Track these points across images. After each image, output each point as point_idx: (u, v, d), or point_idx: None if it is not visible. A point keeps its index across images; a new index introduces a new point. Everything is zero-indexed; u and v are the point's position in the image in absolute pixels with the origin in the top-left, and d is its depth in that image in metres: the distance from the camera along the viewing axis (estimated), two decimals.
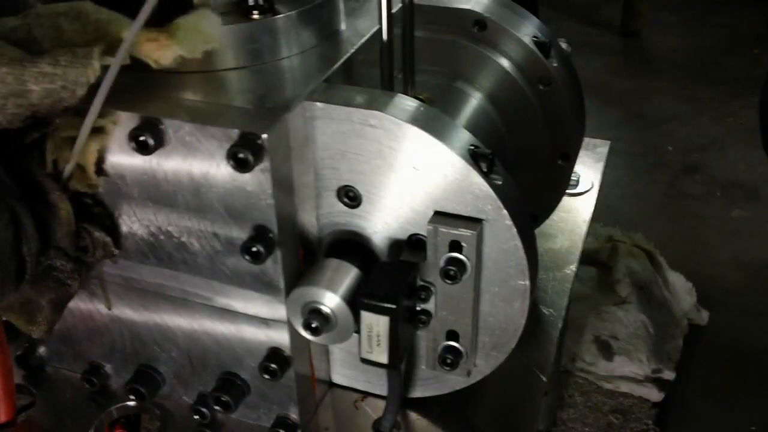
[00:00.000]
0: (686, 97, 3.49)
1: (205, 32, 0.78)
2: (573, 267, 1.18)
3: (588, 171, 1.39)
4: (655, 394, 1.99)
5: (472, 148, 0.76)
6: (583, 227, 1.26)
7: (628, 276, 2.15)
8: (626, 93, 3.53)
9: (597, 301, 2.14)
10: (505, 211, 0.75)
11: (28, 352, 1.02)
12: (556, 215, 1.22)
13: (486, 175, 0.75)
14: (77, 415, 0.97)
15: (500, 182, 0.76)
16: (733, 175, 2.94)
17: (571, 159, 1.07)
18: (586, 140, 1.45)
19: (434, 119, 0.76)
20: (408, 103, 0.77)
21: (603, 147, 1.46)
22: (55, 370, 1.03)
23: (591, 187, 1.35)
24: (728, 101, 3.42)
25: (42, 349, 1.02)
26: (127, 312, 0.92)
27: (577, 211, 1.30)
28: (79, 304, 0.94)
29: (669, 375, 2.02)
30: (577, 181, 1.34)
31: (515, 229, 0.76)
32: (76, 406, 0.98)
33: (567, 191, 1.28)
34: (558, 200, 1.15)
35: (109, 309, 0.93)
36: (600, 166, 1.41)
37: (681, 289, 2.23)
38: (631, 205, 2.75)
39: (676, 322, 2.15)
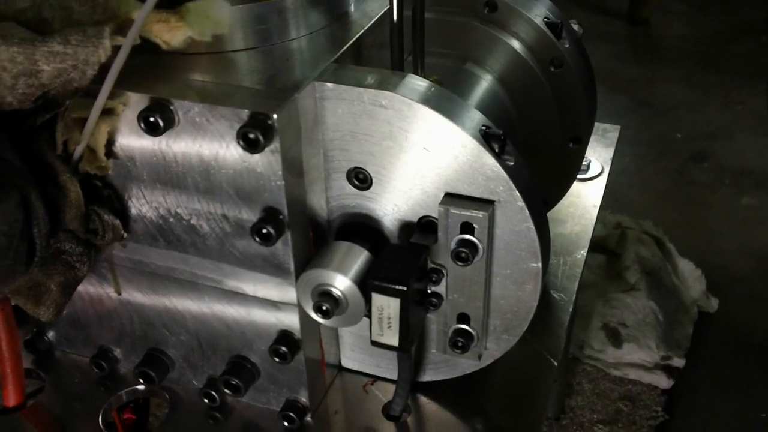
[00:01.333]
0: (694, 84, 3.47)
1: (215, 17, 0.78)
2: (583, 252, 1.17)
3: (598, 156, 1.38)
4: (664, 381, 1.98)
5: (484, 128, 0.75)
6: (593, 212, 1.25)
7: (636, 263, 2.14)
8: (634, 81, 3.52)
9: (605, 288, 2.13)
10: (517, 193, 0.75)
11: (37, 337, 1.02)
12: (566, 200, 1.22)
13: (498, 156, 0.74)
14: (86, 400, 0.97)
15: (512, 163, 0.75)
16: (741, 162, 2.92)
17: (582, 142, 1.07)
18: (596, 125, 1.44)
19: (445, 99, 0.76)
20: (419, 84, 0.76)
21: (613, 132, 1.45)
22: (64, 354, 1.03)
23: (601, 172, 1.34)
24: (737, 89, 3.40)
25: (51, 334, 1.02)
26: (137, 296, 0.92)
27: (587, 196, 1.29)
28: (89, 288, 0.94)
29: (678, 362, 2.01)
30: (588, 166, 1.33)
31: (527, 211, 0.76)
32: (85, 390, 0.98)
33: (577, 176, 1.27)
34: (569, 185, 1.15)
35: (119, 294, 0.93)
36: (610, 152, 1.40)
37: (690, 277, 2.22)
38: (638, 193, 2.74)
39: (686, 309, 2.14)
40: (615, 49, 3.81)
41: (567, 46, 0.99)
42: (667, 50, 3.82)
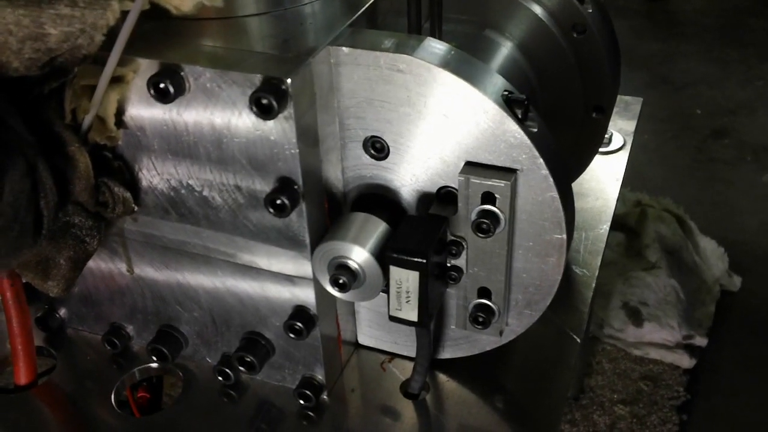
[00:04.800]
0: (714, 59, 3.41)
1: None
2: (606, 226, 1.15)
3: (619, 129, 1.34)
4: (686, 361, 1.95)
5: (506, 93, 0.72)
6: (615, 186, 1.22)
7: (657, 241, 2.10)
8: (652, 56, 3.46)
9: (625, 266, 2.09)
10: (541, 160, 0.72)
11: (48, 314, 1.00)
12: (588, 174, 1.19)
13: (521, 122, 0.71)
14: (98, 378, 0.95)
15: (536, 130, 0.73)
16: (763, 139, 2.87)
17: (605, 112, 1.04)
18: (618, 98, 1.41)
19: (466, 63, 0.73)
20: (438, 47, 0.74)
21: (635, 104, 1.42)
22: (76, 332, 1.01)
23: (623, 145, 1.31)
24: (757, 64, 3.34)
25: (62, 311, 1.00)
26: (149, 271, 0.90)
27: (608, 169, 1.26)
28: (100, 264, 0.92)
29: (701, 341, 1.97)
30: (609, 139, 1.30)
31: (552, 180, 0.73)
32: (98, 368, 0.96)
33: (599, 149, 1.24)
34: (591, 157, 1.12)
35: (131, 273, 0.91)
36: (632, 124, 1.37)
37: (712, 255, 2.18)
38: (658, 169, 2.69)
39: (708, 288, 2.11)
40: (633, 24, 3.76)
41: (590, 11, 0.96)
42: (686, 25, 3.76)
